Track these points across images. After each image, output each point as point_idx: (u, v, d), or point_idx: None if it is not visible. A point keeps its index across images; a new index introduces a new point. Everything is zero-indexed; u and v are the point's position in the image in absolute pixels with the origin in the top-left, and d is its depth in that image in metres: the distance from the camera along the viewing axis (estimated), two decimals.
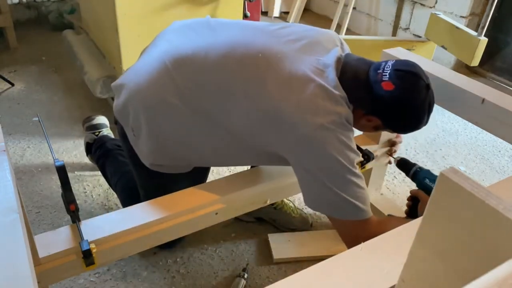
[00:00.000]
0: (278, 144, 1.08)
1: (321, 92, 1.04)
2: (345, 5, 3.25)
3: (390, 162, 1.54)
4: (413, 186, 1.90)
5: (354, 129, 1.14)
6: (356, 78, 1.10)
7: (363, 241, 1.07)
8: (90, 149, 1.74)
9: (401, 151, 2.13)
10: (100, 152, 1.64)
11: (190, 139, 1.16)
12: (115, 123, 1.33)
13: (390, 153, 1.51)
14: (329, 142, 1.03)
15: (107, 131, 1.76)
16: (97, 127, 1.75)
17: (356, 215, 1.09)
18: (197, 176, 1.30)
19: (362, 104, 1.11)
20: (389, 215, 1.37)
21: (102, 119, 1.79)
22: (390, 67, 1.08)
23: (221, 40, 1.15)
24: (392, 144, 1.48)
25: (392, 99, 1.07)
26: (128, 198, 1.42)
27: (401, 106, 1.09)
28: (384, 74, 1.08)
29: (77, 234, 0.99)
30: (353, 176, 1.06)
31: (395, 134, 1.50)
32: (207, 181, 1.37)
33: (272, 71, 1.07)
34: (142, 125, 1.16)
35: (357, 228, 1.10)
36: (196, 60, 1.12)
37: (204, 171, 1.40)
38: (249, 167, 1.49)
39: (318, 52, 1.12)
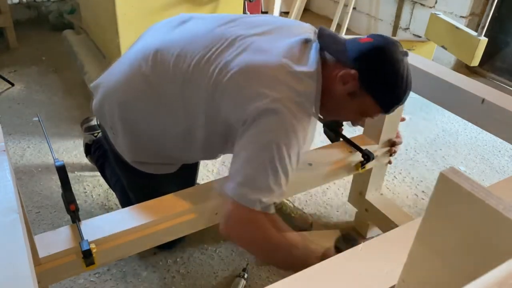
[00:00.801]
0: (234, 119, 1.05)
1: (283, 69, 1.03)
2: (345, 5, 3.25)
3: (390, 162, 1.54)
4: (413, 186, 1.91)
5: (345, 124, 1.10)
6: (333, 37, 1.12)
7: (244, 234, 1.04)
8: (89, 150, 1.74)
9: (401, 151, 2.13)
10: (99, 153, 1.64)
11: (160, 131, 1.18)
12: (98, 126, 1.35)
13: (390, 153, 1.51)
14: (279, 121, 0.99)
15: None
16: (96, 128, 1.75)
17: (250, 201, 0.99)
18: (183, 178, 1.31)
19: (340, 56, 1.08)
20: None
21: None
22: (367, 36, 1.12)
23: (187, 32, 1.18)
24: (392, 144, 1.48)
25: (370, 46, 1.06)
26: (128, 199, 1.42)
27: (379, 52, 1.05)
28: (361, 36, 1.10)
29: (77, 234, 0.99)
30: (279, 163, 0.99)
31: (395, 131, 1.49)
32: (208, 181, 1.37)
33: (233, 51, 1.08)
34: (117, 122, 1.19)
35: (244, 216, 1.01)
36: (162, 51, 1.14)
37: (191, 173, 1.40)
38: None
39: (286, 35, 1.12)
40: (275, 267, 1.25)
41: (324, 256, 1.02)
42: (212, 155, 1.29)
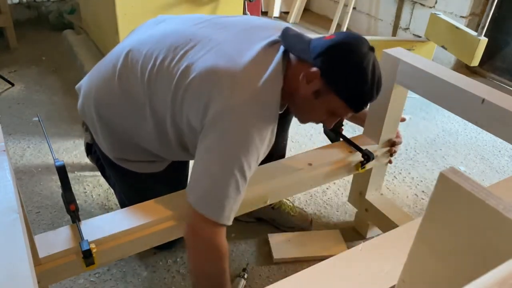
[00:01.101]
0: (195, 121, 1.05)
1: (245, 72, 1.02)
2: (345, 5, 3.25)
3: (390, 162, 1.54)
4: (413, 186, 1.91)
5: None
6: (299, 37, 1.11)
7: (200, 245, 1.03)
8: (90, 149, 1.74)
9: (401, 151, 2.13)
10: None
11: (135, 130, 1.19)
12: (86, 130, 1.37)
13: (390, 153, 1.51)
14: (236, 126, 0.98)
15: None
16: None
17: (215, 213, 1.00)
18: (172, 177, 1.32)
19: (303, 55, 1.06)
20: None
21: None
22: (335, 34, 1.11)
23: (158, 32, 1.20)
24: (392, 144, 1.48)
25: (332, 43, 1.03)
26: None
27: (340, 48, 1.03)
28: (327, 34, 1.09)
29: (77, 234, 0.99)
30: (240, 173, 0.98)
31: (395, 132, 1.49)
32: None
33: (199, 51, 1.08)
34: (96, 120, 1.22)
35: (205, 225, 1.01)
36: (134, 51, 1.17)
37: (179, 173, 1.40)
38: None
39: (254, 37, 1.11)
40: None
41: None
42: (192, 155, 1.27)
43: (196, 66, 1.06)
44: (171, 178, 1.30)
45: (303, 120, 1.21)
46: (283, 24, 1.19)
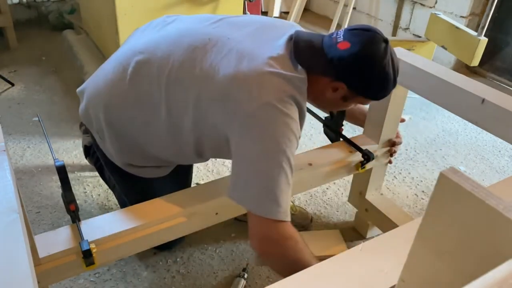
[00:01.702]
0: (224, 124, 1.04)
1: (269, 68, 1.02)
2: (345, 5, 3.25)
3: (390, 162, 1.54)
4: (413, 186, 1.91)
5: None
6: (311, 47, 1.08)
7: (273, 247, 1.03)
8: (88, 152, 1.74)
9: (401, 151, 2.13)
10: (97, 155, 1.64)
11: (147, 134, 1.16)
12: (85, 133, 1.34)
13: (390, 153, 1.51)
14: (271, 120, 0.99)
15: None
16: None
17: (274, 212, 1.00)
18: (177, 181, 1.31)
19: (323, 71, 1.07)
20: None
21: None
22: (343, 30, 1.07)
23: (171, 32, 1.17)
24: (392, 144, 1.48)
25: (352, 56, 1.02)
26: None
27: (362, 60, 1.03)
28: (338, 36, 1.05)
29: (77, 234, 0.99)
30: (286, 163, 0.99)
31: (395, 131, 1.49)
32: (208, 181, 1.37)
33: (219, 52, 1.07)
34: (104, 126, 1.18)
35: (271, 228, 1.02)
36: (146, 53, 1.13)
37: (185, 175, 1.40)
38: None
39: (271, 34, 1.11)
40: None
41: None
42: (203, 157, 1.26)
43: (219, 68, 1.04)
44: (175, 182, 1.29)
45: (326, 111, 1.31)
46: (289, 22, 1.19)
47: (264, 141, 1.00)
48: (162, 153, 1.21)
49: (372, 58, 1.03)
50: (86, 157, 1.79)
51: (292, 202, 1.64)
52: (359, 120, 1.52)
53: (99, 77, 1.22)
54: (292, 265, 1.02)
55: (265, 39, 1.09)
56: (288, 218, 1.02)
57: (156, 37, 1.17)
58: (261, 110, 0.99)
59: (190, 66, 1.07)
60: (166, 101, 1.10)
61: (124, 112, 1.15)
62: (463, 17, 2.90)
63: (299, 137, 1.05)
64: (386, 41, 1.05)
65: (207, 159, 1.29)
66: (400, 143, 1.52)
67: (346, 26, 3.20)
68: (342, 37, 1.05)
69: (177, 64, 1.08)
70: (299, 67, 1.05)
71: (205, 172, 1.88)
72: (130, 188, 1.34)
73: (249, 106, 0.99)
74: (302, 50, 1.06)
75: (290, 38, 1.09)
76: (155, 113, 1.12)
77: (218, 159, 1.90)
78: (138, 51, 1.14)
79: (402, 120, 1.47)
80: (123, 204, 1.47)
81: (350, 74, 1.05)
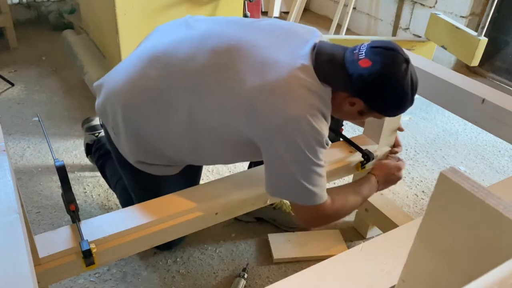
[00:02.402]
0: (251, 133, 1.07)
1: (294, 81, 1.03)
2: (345, 5, 3.25)
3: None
4: (413, 186, 1.91)
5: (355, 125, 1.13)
6: (332, 61, 1.08)
7: (321, 222, 1.20)
8: (90, 150, 1.74)
9: (401, 152, 2.13)
10: (99, 153, 1.64)
11: (165, 135, 1.16)
12: (101, 126, 1.34)
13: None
14: (298, 134, 1.02)
15: None
16: (97, 128, 1.75)
17: (313, 201, 1.11)
18: (186, 180, 1.30)
19: (342, 86, 1.08)
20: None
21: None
22: (366, 46, 1.07)
23: (195, 33, 1.16)
24: (392, 152, 1.48)
25: (372, 75, 1.03)
26: (128, 199, 1.42)
27: (382, 81, 1.04)
28: (360, 53, 1.05)
29: (77, 234, 0.99)
30: (316, 166, 1.07)
31: (395, 135, 1.49)
32: (208, 181, 1.37)
33: (245, 59, 1.07)
34: (120, 122, 1.18)
35: (313, 211, 1.13)
36: (169, 53, 1.13)
37: (194, 175, 1.40)
38: (245, 167, 1.48)
39: (294, 42, 1.11)
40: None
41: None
42: (221, 162, 1.30)
43: (244, 76, 1.05)
44: (184, 181, 1.28)
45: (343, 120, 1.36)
46: (310, 28, 1.19)
47: (292, 152, 1.04)
48: (178, 154, 1.21)
49: (392, 79, 1.04)
50: (87, 156, 1.79)
51: None
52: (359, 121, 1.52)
53: (118, 74, 1.21)
54: (346, 211, 1.23)
55: (289, 48, 1.09)
56: (324, 199, 1.12)
57: (179, 37, 1.17)
58: (287, 123, 1.01)
59: (215, 72, 1.08)
60: (188, 104, 1.10)
61: (143, 110, 1.15)
62: (463, 17, 2.90)
63: (328, 144, 1.09)
64: (407, 61, 1.05)
65: (224, 163, 1.32)
66: (400, 151, 1.52)
67: (346, 26, 3.21)
68: (364, 54, 1.05)
69: (201, 68, 1.08)
70: (321, 81, 1.07)
71: (205, 172, 1.88)
72: (139, 185, 1.33)
73: (276, 120, 1.02)
74: (324, 64, 1.07)
75: (313, 48, 1.09)
76: (175, 115, 1.12)
77: None
78: (160, 51, 1.14)
79: (401, 129, 1.47)
80: (124, 202, 1.47)
81: (369, 92, 1.07)
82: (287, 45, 1.10)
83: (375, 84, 1.04)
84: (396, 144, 1.49)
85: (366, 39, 2.71)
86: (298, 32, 1.16)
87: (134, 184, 1.35)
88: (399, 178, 1.40)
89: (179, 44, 1.14)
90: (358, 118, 1.18)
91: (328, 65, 1.07)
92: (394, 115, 1.18)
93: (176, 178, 1.28)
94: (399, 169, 1.39)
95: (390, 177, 1.37)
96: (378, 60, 1.03)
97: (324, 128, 1.06)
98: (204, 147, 1.16)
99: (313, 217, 1.16)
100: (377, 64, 1.03)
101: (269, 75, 1.03)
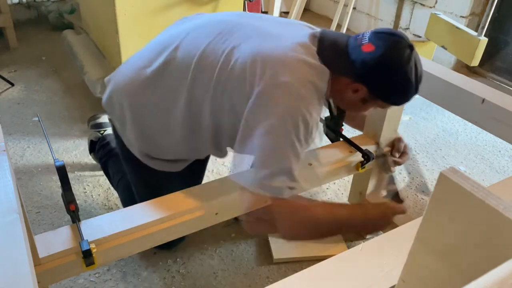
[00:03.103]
0: (242, 104, 1.04)
1: (293, 53, 1.02)
2: (345, 5, 3.25)
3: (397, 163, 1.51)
4: (413, 186, 1.91)
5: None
6: (335, 47, 1.08)
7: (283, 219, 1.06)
8: (93, 147, 1.75)
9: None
10: (103, 151, 1.65)
11: (167, 121, 1.17)
12: (110, 120, 1.35)
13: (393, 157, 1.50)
14: (283, 102, 0.99)
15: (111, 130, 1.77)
16: (102, 125, 1.77)
17: (283, 192, 1.01)
18: (190, 178, 1.31)
19: (345, 71, 1.07)
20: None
21: (107, 118, 1.80)
22: (370, 32, 1.07)
23: (200, 22, 1.20)
24: (393, 146, 1.48)
25: (374, 60, 1.02)
26: (129, 197, 1.42)
27: (385, 66, 1.03)
28: (363, 38, 1.05)
29: (77, 234, 0.99)
30: (287, 143, 0.99)
31: (396, 130, 1.49)
32: (208, 181, 1.37)
33: (245, 34, 1.08)
34: (126, 113, 1.20)
35: (284, 206, 1.04)
36: (172, 40, 1.16)
37: (198, 174, 1.40)
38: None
39: (297, 29, 1.13)
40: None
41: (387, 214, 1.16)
42: (221, 149, 1.27)
43: (241, 47, 1.05)
44: (187, 180, 1.29)
45: (345, 110, 1.31)
46: (306, 24, 1.21)
47: (269, 119, 0.98)
48: (179, 145, 1.22)
49: (395, 63, 1.03)
50: (90, 153, 1.80)
51: None
52: (357, 123, 1.52)
53: (126, 66, 1.24)
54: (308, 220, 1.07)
55: (293, 32, 1.10)
56: (297, 186, 1.02)
57: (183, 28, 1.20)
58: (275, 88, 0.98)
59: (213, 47, 1.09)
60: (188, 89, 1.11)
61: (147, 97, 1.16)
62: (463, 17, 2.90)
63: (317, 124, 1.04)
64: (411, 47, 1.04)
65: (224, 152, 1.29)
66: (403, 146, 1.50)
67: (346, 26, 3.21)
68: (367, 39, 1.04)
69: (200, 49, 1.10)
70: (323, 65, 1.06)
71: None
72: (142, 179, 1.33)
73: (265, 83, 0.99)
74: (326, 48, 1.07)
75: (314, 35, 1.09)
76: (175, 101, 1.13)
77: (218, 159, 1.90)
78: (168, 41, 1.17)
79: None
80: (125, 201, 1.47)
81: (371, 77, 1.05)
82: (291, 30, 1.12)
83: (378, 68, 1.03)
84: (399, 140, 1.47)
85: None
86: (300, 23, 1.19)
87: (137, 178, 1.35)
88: (388, 224, 1.20)
89: (182, 32, 1.17)
90: (361, 107, 1.14)
91: (331, 49, 1.07)
92: (398, 104, 1.14)
93: (179, 175, 1.29)
94: (395, 213, 1.19)
95: (384, 217, 1.20)
96: (381, 45, 1.02)
97: (312, 101, 1.02)
98: (201, 136, 1.16)
99: (281, 205, 1.03)
100: (380, 48, 1.02)
101: (267, 45, 1.04)
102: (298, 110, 0.99)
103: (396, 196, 1.36)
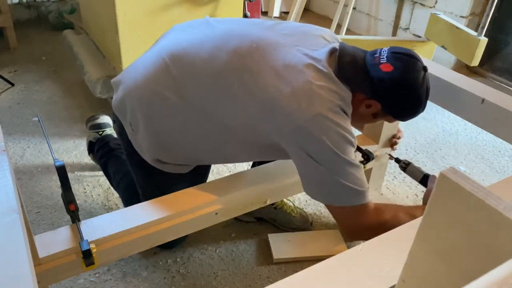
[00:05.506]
0: (275, 135, 1.08)
1: (315, 81, 1.04)
2: (345, 5, 3.25)
3: (391, 158, 1.52)
4: (413, 186, 1.91)
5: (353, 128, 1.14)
6: (354, 63, 1.11)
7: (362, 229, 1.13)
8: (92, 148, 1.74)
9: (401, 151, 2.13)
10: (103, 151, 1.65)
11: (186, 133, 1.16)
12: (114, 122, 1.34)
13: (391, 144, 1.51)
14: (324, 132, 1.03)
15: (110, 131, 1.76)
16: (101, 126, 1.76)
17: (353, 200, 1.10)
18: (196, 178, 1.30)
19: (362, 88, 1.10)
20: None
21: (106, 119, 1.80)
22: (387, 51, 1.11)
23: (216, 33, 1.17)
24: (393, 136, 1.49)
25: (392, 80, 1.08)
26: (131, 197, 1.42)
27: (402, 87, 1.09)
28: (381, 57, 1.10)
29: (77, 234, 0.99)
30: (348, 165, 1.06)
31: (395, 130, 1.49)
32: (207, 181, 1.37)
33: (266, 60, 1.08)
34: (140, 119, 1.18)
35: (353, 213, 1.11)
36: (191, 52, 1.14)
37: (204, 174, 1.40)
38: (249, 166, 1.48)
39: (313, 44, 1.13)
40: None
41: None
42: (240, 160, 1.30)
43: (266, 78, 1.06)
44: (193, 180, 1.28)
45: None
46: (325, 30, 1.21)
47: (320, 152, 1.04)
48: (197, 153, 1.21)
49: (411, 85, 1.09)
50: (89, 154, 1.79)
51: (292, 203, 1.64)
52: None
53: (138, 69, 1.21)
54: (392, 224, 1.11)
55: (311, 49, 1.11)
56: (364, 200, 1.10)
57: (200, 36, 1.17)
58: (312, 122, 1.02)
59: (236, 72, 1.08)
60: (211, 104, 1.10)
61: (166, 109, 1.14)
62: (463, 17, 2.90)
63: (355, 142, 1.09)
64: (425, 69, 1.10)
65: (242, 161, 1.32)
66: (401, 137, 1.53)
67: (346, 26, 3.21)
68: (385, 58, 1.09)
69: (223, 68, 1.09)
70: (342, 82, 1.09)
71: None
72: (150, 182, 1.32)
73: (300, 119, 1.02)
74: (345, 65, 1.10)
75: (333, 50, 1.11)
76: (197, 114, 1.12)
77: None
78: (181, 49, 1.15)
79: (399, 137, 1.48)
80: (127, 201, 1.47)
81: (388, 96, 1.11)
82: (306, 46, 1.12)
83: (395, 88, 1.09)
84: (397, 130, 1.50)
85: (367, 39, 2.71)
86: (314, 34, 1.18)
87: (145, 181, 1.34)
88: None
89: (201, 43, 1.15)
90: (370, 120, 1.20)
91: (350, 66, 1.10)
92: (406, 120, 1.21)
93: (186, 176, 1.28)
94: None
95: None
96: (399, 66, 1.08)
97: (347, 125, 1.07)
98: (223, 147, 1.16)
99: (354, 221, 1.13)
100: (398, 69, 1.07)
101: (291, 77, 1.05)
102: (338, 138, 1.05)
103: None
